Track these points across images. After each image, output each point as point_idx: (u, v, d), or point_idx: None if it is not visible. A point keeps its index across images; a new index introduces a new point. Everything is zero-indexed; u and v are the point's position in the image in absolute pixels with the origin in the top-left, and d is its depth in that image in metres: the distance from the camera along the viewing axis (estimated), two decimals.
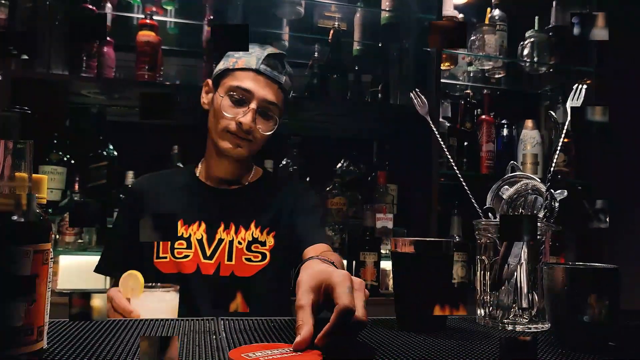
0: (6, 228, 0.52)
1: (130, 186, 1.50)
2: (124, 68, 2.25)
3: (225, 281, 1.33)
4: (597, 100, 2.37)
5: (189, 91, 2.13)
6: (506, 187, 1.03)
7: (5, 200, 0.54)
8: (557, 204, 0.94)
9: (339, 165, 2.51)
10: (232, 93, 1.32)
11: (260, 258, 1.37)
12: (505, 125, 2.53)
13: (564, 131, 1.05)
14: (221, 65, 1.39)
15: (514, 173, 1.03)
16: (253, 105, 1.32)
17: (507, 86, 2.67)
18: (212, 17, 2.21)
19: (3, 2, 1.99)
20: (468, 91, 2.56)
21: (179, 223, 1.38)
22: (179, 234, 1.37)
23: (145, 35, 2.10)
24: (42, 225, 0.56)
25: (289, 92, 1.44)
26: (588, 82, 2.49)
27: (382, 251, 2.17)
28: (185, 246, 1.38)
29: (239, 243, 1.37)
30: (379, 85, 2.41)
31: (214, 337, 0.78)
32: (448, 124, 2.42)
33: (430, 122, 1.13)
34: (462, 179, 1.08)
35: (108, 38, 2.18)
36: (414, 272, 0.88)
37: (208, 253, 1.37)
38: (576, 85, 1.03)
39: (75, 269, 2.35)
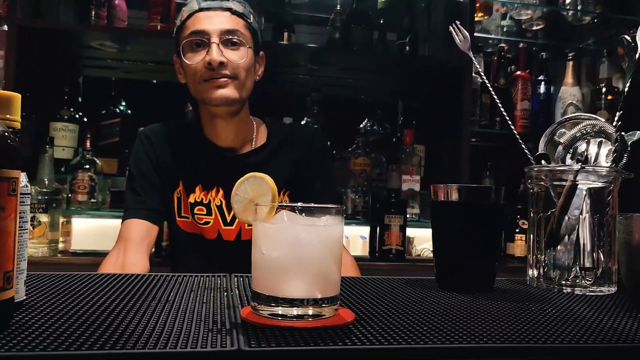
0: None
1: (145, 134, 1.37)
2: (135, 25, 2.12)
3: (247, 246, 1.24)
4: None
5: None
6: (563, 130, 0.88)
7: None
8: (627, 148, 0.80)
9: (363, 124, 2.36)
10: (189, 40, 1.25)
11: None
12: (543, 82, 2.34)
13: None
14: (174, 34, 1.33)
15: (573, 114, 0.88)
16: (214, 39, 1.23)
17: (545, 40, 2.47)
18: None
19: None
20: (502, 45, 2.37)
21: (198, 188, 1.33)
22: (199, 200, 1.32)
23: None
24: (7, 148, 0.45)
25: (248, 17, 1.32)
26: (634, 34, 2.28)
27: (407, 215, 2.05)
28: (205, 212, 1.32)
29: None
30: (406, 37, 2.24)
31: (225, 294, 0.67)
32: (480, 80, 2.25)
33: (473, 57, 0.98)
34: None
35: None
36: (458, 223, 0.75)
37: (228, 219, 1.33)
38: None
39: (89, 231, 2.29)
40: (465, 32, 1.00)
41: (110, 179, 2.09)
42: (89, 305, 0.58)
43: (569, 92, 2.29)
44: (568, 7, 2.30)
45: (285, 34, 1.99)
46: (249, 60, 1.27)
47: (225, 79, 1.23)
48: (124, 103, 2.19)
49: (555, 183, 0.82)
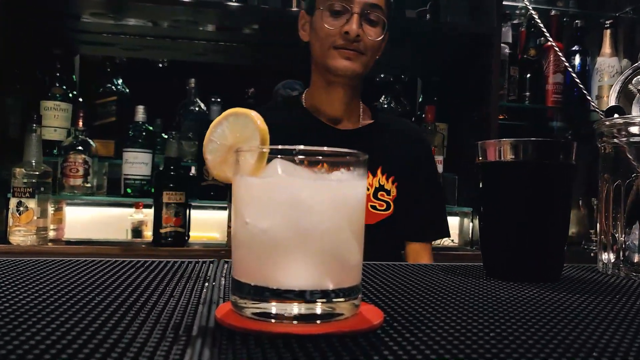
0: None
1: None
2: None
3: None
4: None
5: (208, 15, 1.84)
6: None
7: None
8: None
9: (380, 101, 2.18)
10: (330, 4, 1.22)
11: (385, 207, 1.28)
12: (578, 53, 2.12)
13: None
14: None
15: None
16: (356, 10, 1.20)
17: (579, 8, 2.25)
18: None
19: None
20: (532, 12, 2.15)
21: None
22: None
23: None
24: None
25: None
26: None
27: None
28: None
29: (367, 189, 1.27)
30: (427, 4, 2.04)
31: (206, 284, 0.50)
32: (509, 51, 2.05)
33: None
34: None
35: None
36: (517, 190, 0.57)
37: None
38: None
39: (85, 219, 2.14)
40: None
41: (107, 161, 1.94)
42: (20, 292, 0.42)
43: (607, 62, 2.07)
44: None
45: (295, 1, 1.80)
46: (381, 39, 1.24)
47: (355, 52, 1.21)
48: (120, 80, 2.03)
49: (634, 140, 0.63)
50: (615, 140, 0.65)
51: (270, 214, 0.35)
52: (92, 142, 1.82)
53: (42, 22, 1.89)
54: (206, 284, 0.50)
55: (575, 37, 2.17)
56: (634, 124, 0.62)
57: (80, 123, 1.80)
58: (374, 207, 1.27)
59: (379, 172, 1.28)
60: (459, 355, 0.31)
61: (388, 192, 1.28)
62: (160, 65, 2.24)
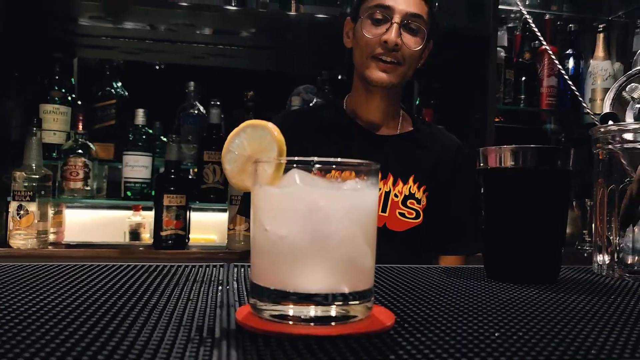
0: None
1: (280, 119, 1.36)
2: None
3: (395, 237, 1.26)
4: None
5: (206, 19, 1.85)
6: (635, 84, 0.72)
7: None
8: None
9: None
10: (371, 12, 1.24)
11: (414, 215, 1.29)
12: (572, 56, 2.16)
13: None
14: None
15: None
16: (396, 19, 1.22)
17: (573, 11, 2.29)
18: None
19: None
20: (527, 16, 2.18)
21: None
22: None
23: None
24: None
25: (434, 3, 1.34)
26: None
27: None
28: None
29: (395, 196, 1.29)
30: None
31: (220, 287, 0.52)
32: (504, 55, 2.08)
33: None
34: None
35: None
36: (517, 195, 0.59)
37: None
38: None
39: (84, 222, 2.16)
40: None
41: (106, 164, 1.95)
42: (43, 298, 0.43)
43: (600, 66, 2.11)
44: None
45: (293, 4, 1.82)
46: (422, 49, 1.26)
47: (392, 65, 1.22)
48: (119, 84, 2.04)
49: (627, 146, 0.66)
50: (610, 146, 0.67)
51: (288, 222, 0.37)
52: (92, 145, 1.83)
53: (41, 25, 1.90)
54: (220, 287, 0.52)
55: (569, 41, 2.21)
56: (627, 131, 0.64)
57: (80, 126, 1.81)
58: (402, 215, 1.27)
59: (410, 180, 1.29)
60: (469, 354, 0.33)
61: (418, 201, 1.29)
62: (159, 68, 2.26)
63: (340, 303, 0.38)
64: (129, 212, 2.16)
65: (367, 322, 0.38)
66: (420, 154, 1.32)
